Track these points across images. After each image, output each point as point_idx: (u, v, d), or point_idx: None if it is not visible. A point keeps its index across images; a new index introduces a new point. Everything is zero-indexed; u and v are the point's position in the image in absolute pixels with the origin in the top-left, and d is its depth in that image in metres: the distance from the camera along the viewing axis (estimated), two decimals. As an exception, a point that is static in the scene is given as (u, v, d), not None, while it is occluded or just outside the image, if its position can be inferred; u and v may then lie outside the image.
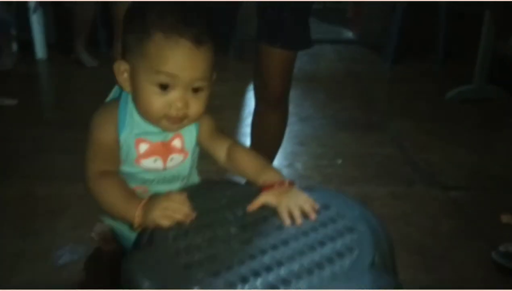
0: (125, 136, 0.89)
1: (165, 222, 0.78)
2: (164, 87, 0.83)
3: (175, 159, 0.92)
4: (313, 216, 0.79)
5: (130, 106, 0.89)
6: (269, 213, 0.81)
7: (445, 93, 3.10)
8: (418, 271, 1.52)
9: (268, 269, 0.68)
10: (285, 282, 0.65)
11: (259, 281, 0.66)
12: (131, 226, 0.82)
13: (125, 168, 0.91)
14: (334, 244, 0.73)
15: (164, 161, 0.91)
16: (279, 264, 0.69)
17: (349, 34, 4.80)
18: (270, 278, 0.66)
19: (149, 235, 0.77)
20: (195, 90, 0.85)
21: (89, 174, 0.87)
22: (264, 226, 0.77)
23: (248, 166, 0.92)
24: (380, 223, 0.78)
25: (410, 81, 3.50)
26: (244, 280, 0.66)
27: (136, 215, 0.80)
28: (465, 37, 3.37)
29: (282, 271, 0.67)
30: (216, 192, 0.87)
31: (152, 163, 0.91)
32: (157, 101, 0.84)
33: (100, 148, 0.88)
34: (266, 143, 1.57)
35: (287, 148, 2.39)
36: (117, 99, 0.92)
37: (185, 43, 0.80)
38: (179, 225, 0.77)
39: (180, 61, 0.81)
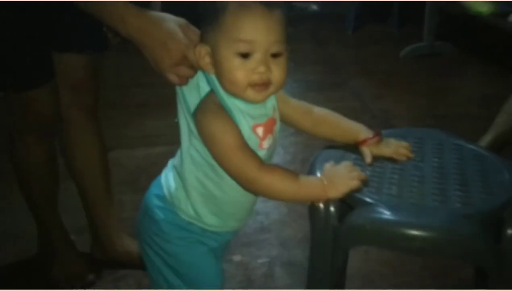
0: (242, 129, 0.88)
1: (356, 183, 0.89)
2: (244, 55, 0.84)
3: (276, 129, 0.95)
4: (411, 153, 0.99)
5: (232, 98, 0.88)
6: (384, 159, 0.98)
7: (400, 52, 3.49)
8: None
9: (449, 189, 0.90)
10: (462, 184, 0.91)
11: (452, 194, 0.88)
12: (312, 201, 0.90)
13: None
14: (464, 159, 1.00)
15: (273, 134, 0.94)
16: (457, 179, 0.93)
17: (313, 7, 5.15)
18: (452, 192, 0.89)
19: (350, 197, 0.88)
20: (274, 55, 0.85)
21: (251, 175, 0.87)
22: (411, 163, 0.97)
23: (336, 130, 1.02)
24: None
25: (370, 44, 3.87)
26: (443, 197, 0.87)
27: (324, 192, 0.88)
28: (417, 1, 3.74)
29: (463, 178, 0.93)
30: (348, 155, 1.00)
31: (269, 141, 0.92)
32: (240, 71, 0.84)
33: (240, 146, 0.87)
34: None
35: (264, 109, 2.76)
36: (210, 95, 0.89)
37: (258, 8, 0.83)
38: (363, 182, 0.90)
39: (256, 26, 0.83)
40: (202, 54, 0.87)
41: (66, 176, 1.54)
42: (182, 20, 0.95)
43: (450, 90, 2.88)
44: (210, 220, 0.96)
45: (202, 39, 0.89)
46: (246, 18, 0.83)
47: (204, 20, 0.87)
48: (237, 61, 0.84)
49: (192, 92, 0.91)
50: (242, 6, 0.83)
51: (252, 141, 0.89)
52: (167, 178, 0.98)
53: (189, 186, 0.94)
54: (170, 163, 1.01)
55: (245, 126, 0.88)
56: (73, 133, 1.47)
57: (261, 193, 0.91)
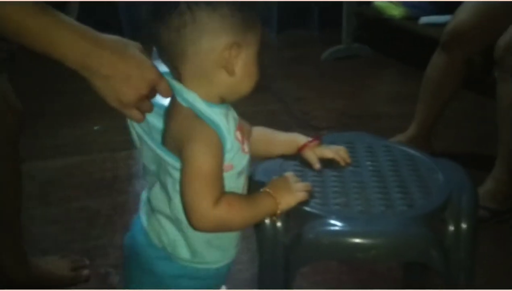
0: (231, 140, 0.80)
1: (303, 195, 0.85)
2: None
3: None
4: (348, 156, 0.99)
5: (212, 107, 0.81)
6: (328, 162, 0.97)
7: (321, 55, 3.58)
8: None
9: (386, 189, 0.92)
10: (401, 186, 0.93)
11: (394, 197, 0.89)
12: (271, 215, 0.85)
13: (238, 167, 0.83)
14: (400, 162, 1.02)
15: (248, 138, 0.89)
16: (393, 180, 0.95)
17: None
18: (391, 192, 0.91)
19: (298, 210, 0.85)
20: None
21: (202, 213, 0.77)
22: (348, 169, 0.98)
23: (274, 145, 1.00)
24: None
25: (292, 47, 3.94)
26: (388, 201, 0.89)
27: (276, 205, 0.83)
28: (336, 4, 3.86)
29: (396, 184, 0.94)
30: (287, 163, 0.99)
31: (247, 146, 0.86)
32: None
33: (212, 175, 0.78)
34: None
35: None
36: (186, 112, 0.80)
37: None
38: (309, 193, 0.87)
39: None
40: (236, 56, 0.83)
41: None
42: (139, 44, 0.81)
43: (367, 91, 3.00)
44: (212, 256, 0.88)
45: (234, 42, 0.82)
46: None
47: (244, 21, 0.83)
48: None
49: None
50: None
51: (235, 150, 0.82)
52: (152, 225, 0.87)
53: (184, 225, 0.83)
54: (146, 205, 0.89)
55: (232, 136, 0.81)
56: None
57: (222, 228, 0.81)
